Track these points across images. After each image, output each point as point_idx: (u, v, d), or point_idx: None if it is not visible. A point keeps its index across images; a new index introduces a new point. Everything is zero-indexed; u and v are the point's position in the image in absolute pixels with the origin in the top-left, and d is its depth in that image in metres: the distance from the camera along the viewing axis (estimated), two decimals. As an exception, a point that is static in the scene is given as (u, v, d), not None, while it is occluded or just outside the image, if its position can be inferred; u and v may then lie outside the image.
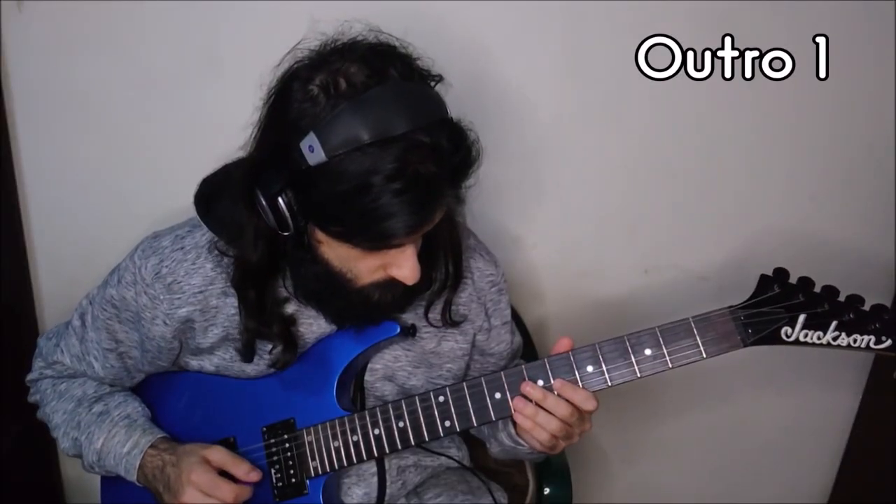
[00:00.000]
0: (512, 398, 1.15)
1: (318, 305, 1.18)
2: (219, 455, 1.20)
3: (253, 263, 1.12)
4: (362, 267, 1.09)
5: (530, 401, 1.13)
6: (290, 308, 1.20)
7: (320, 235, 1.06)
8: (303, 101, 0.99)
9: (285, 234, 1.05)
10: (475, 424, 1.16)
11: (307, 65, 1.02)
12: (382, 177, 0.95)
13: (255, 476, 1.20)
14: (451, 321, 1.24)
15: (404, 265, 1.07)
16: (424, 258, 1.11)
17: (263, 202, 1.03)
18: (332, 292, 1.12)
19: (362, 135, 0.95)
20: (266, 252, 1.11)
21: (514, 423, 1.18)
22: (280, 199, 1.02)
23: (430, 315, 1.23)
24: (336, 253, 1.07)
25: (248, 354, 1.21)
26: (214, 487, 1.17)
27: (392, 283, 1.10)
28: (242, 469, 1.20)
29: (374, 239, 1.01)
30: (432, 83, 1.05)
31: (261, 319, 1.17)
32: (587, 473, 1.89)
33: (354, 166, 0.96)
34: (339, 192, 0.97)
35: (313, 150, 0.97)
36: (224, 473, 1.20)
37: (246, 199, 1.07)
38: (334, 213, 1.00)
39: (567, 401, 1.12)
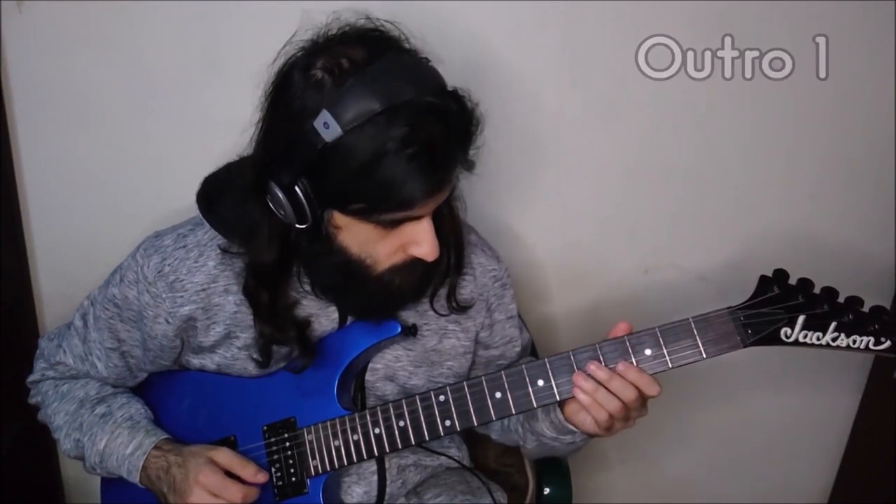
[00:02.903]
0: (512, 397, 1.15)
1: (337, 298, 1.19)
2: (225, 456, 1.20)
3: (268, 264, 1.13)
4: (381, 249, 1.09)
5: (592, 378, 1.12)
6: (301, 311, 1.20)
7: (339, 220, 1.07)
8: (307, 88, 1.00)
9: (302, 226, 1.06)
10: (475, 424, 1.16)
11: (304, 54, 1.04)
12: (396, 142, 0.97)
13: (262, 478, 1.21)
14: (457, 307, 1.24)
15: (423, 241, 1.08)
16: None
17: (280, 195, 1.04)
18: (351, 282, 1.13)
19: (373, 105, 0.97)
20: (279, 250, 1.12)
21: (562, 409, 1.17)
22: (297, 189, 1.03)
23: (436, 304, 1.23)
24: (356, 238, 1.08)
25: (265, 361, 1.20)
26: (223, 488, 1.17)
27: (411, 265, 1.11)
28: (249, 471, 1.20)
29: (396, 208, 1.03)
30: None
31: (275, 324, 1.17)
32: (587, 473, 1.89)
33: (368, 137, 0.98)
34: (355, 166, 0.99)
35: (328, 127, 0.98)
36: (230, 475, 1.20)
37: (258, 198, 1.08)
38: (354, 190, 1.02)
39: (632, 384, 1.12)
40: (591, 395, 1.12)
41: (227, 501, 1.17)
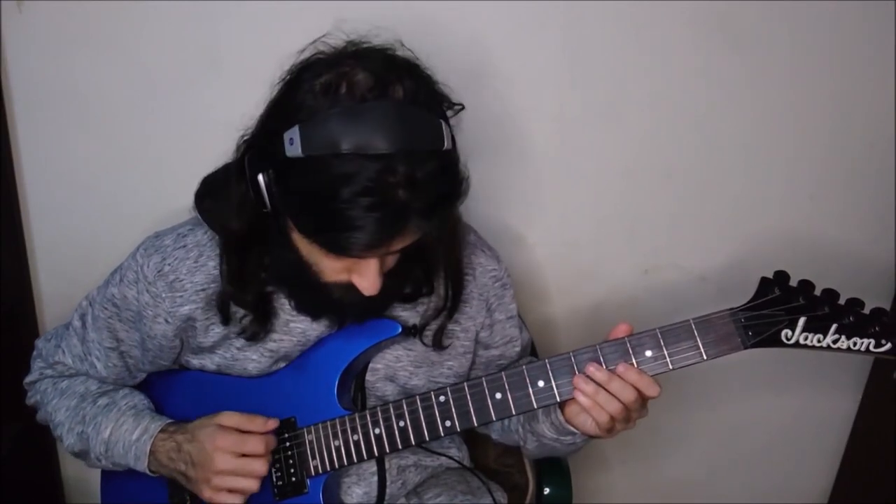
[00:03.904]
0: (513, 398, 1.15)
1: (288, 291, 1.19)
2: (231, 418, 1.20)
3: (234, 231, 1.13)
4: (326, 265, 1.09)
5: (592, 381, 1.12)
6: (294, 308, 1.21)
7: (291, 223, 1.07)
8: (305, 93, 1.00)
9: (265, 211, 1.05)
10: (476, 424, 1.16)
11: (323, 60, 1.03)
12: (351, 191, 0.95)
13: (272, 423, 1.20)
14: (440, 345, 1.25)
15: (365, 276, 1.07)
16: (398, 272, 1.12)
17: (247, 175, 1.04)
18: (297, 281, 1.13)
19: (342, 143, 0.95)
20: (249, 224, 1.11)
21: (562, 411, 1.17)
22: (260, 177, 1.03)
23: (424, 337, 1.24)
24: (303, 243, 1.07)
25: (224, 317, 1.20)
26: (242, 444, 1.17)
27: (354, 288, 1.09)
28: (258, 423, 1.20)
29: (331, 246, 1.02)
30: (449, 111, 1.05)
31: (238, 286, 1.17)
32: (587, 474, 1.89)
33: (327, 171, 0.96)
34: (308, 190, 0.98)
35: (293, 144, 0.97)
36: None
37: (237, 169, 1.08)
38: (301, 208, 1.01)
39: (632, 385, 1.11)
40: (592, 398, 1.12)
41: (251, 454, 1.17)
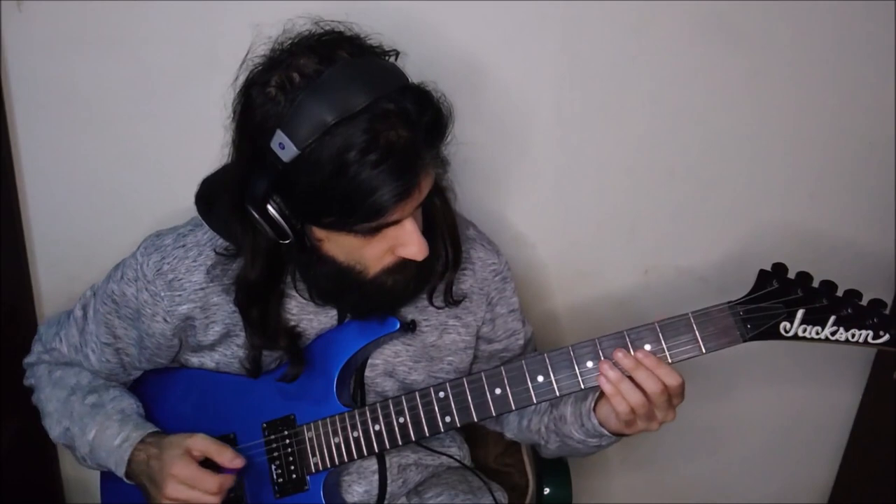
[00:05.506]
0: (512, 393, 1.15)
1: (336, 304, 1.19)
2: (202, 444, 1.19)
3: (253, 281, 1.13)
4: (369, 254, 1.08)
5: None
6: (299, 310, 1.20)
7: (319, 233, 1.06)
8: (264, 105, 1.00)
9: (286, 241, 1.05)
10: (475, 419, 1.17)
11: (261, 70, 1.03)
12: (356, 152, 0.96)
13: (238, 462, 1.19)
14: (453, 301, 1.24)
15: (410, 242, 1.06)
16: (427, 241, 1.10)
17: (256, 216, 1.03)
18: (345, 288, 1.12)
19: (326, 117, 0.96)
20: (266, 267, 1.12)
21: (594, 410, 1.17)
22: (270, 207, 1.03)
23: (435, 300, 1.23)
24: (340, 247, 1.07)
25: (255, 370, 1.21)
26: (196, 479, 1.17)
27: (403, 266, 1.10)
28: (226, 457, 1.19)
29: (368, 218, 1.01)
30: (388, 58, 1.06)
31: (266, 335, 1.17)
32: (587, 474, 1.89)
33: (327, 150, 0.97)
34: (319, 181, 0.98)
35: (284, 147, 0.97)
36: (210, 462, 1.20)
37: (238, 218, 1.07)
38: (322, 204, 1.01)
39: (654, 374, 1.10)
40: (615, 385, 1.11)
41: (203, 491, 1.17)
